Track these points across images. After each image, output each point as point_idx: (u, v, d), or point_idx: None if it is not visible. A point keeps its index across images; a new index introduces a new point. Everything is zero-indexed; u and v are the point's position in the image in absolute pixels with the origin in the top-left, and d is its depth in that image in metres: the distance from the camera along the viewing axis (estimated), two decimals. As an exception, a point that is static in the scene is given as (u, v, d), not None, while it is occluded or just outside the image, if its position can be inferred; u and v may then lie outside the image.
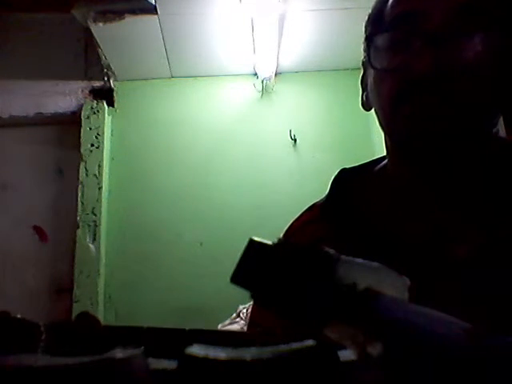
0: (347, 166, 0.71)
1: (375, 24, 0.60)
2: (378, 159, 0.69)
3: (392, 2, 0.58)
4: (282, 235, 0.71)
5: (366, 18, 0.63)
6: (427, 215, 0.58)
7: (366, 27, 0.63)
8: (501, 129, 1.42)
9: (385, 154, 0.66)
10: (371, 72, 0.60)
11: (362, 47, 0.63)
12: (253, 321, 0.69)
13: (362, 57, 0.64)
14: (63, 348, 0.34)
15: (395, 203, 0.62)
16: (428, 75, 0.51)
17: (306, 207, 0.72)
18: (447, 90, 0.52)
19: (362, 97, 0.67)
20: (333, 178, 0.69)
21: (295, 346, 0.25)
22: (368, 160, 0.71)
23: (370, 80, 0.61)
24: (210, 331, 0.35)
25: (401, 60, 0.54)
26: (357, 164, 0.72)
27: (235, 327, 2.04)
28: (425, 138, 0.54)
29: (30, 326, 0.35)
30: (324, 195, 0.70)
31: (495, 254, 0.52)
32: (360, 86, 0.67)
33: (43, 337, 0.34)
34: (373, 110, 0.63)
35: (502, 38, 0.53)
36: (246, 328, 1.48)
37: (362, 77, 0.66)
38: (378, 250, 0.56)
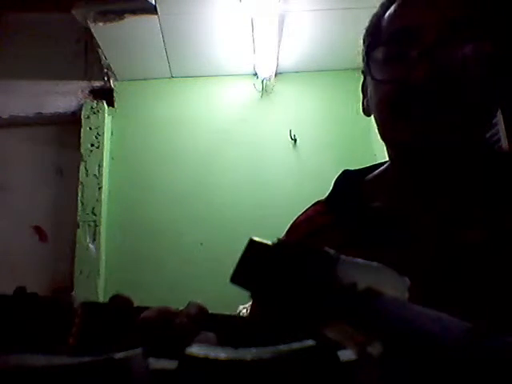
0: (349, 168, 0.73)
1: (373, 36, 0.63)
2: (377, 164, 0.71)
3: (389, 18, 0.61)
4: (287, 230, 0.74)
5: (365, 30, 0.66)
6: (437, 205, 0.60)
7: (364, 39, 0.66)
8: (501, 130, 1.42)
9: (384, 156, 0.68)
10: (370, 81, 0.62)
11: (360, 51, 0.66)
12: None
13: (362, 66, 0.66)
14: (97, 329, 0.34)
15: (402, 196, 0.63)
16: (425, 83, 0.53)
17: (310, 204, 0.74)
18: (443, 99, 0.54)
19: (362, 103, 0.70)
20: (336, 177, 0.71)
21: (295, 346, 0.25)
22: (368, 159, 0.73)
23: (369, 89, 0.64)
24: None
25: (398, 71, 0.57)
26: (356, 164, 0.73)
27: (235, 327, 2.04)
28: (423, 147, 0.56)
29: (63, 307, 0.35)
30: (327, 194, 0.71)
31: (506, 238, 0.53)
32: (361, 91, 0.70)
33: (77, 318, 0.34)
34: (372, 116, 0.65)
35: (494, 45, 0.56)
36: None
37: (363, 84, 0.69)
38: (388, 237, 0.57)
